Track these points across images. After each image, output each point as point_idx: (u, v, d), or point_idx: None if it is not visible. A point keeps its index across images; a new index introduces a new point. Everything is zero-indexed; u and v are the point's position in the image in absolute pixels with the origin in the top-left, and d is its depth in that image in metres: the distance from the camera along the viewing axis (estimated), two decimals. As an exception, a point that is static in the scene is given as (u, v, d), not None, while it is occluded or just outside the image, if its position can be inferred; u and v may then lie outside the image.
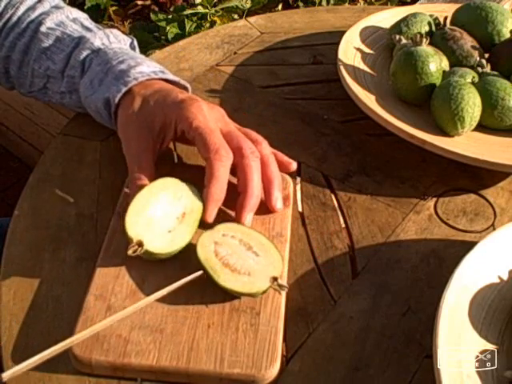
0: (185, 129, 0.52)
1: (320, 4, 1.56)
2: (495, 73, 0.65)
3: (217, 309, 0.46)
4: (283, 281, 0.47)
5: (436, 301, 0.45)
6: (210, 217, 0.50)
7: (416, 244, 0.55)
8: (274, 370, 0.43)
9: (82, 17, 0.66)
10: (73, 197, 0.57)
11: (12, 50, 0.63)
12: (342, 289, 0.50)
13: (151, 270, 0.48)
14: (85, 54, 0.60)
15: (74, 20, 0.64)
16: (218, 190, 0.49)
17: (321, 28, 0.84)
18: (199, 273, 0.47)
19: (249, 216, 0.50)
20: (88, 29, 0.63)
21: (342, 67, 0.68)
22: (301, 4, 1.58)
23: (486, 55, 0.69)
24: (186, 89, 0.61)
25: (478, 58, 0.67)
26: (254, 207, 0.51)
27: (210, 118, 0.52)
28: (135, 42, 0.66)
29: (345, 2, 1.60)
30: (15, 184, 1.59)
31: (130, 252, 0.46)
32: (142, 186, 0.49)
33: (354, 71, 0.68)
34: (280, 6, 1.56)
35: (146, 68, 0.58)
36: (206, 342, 0.44)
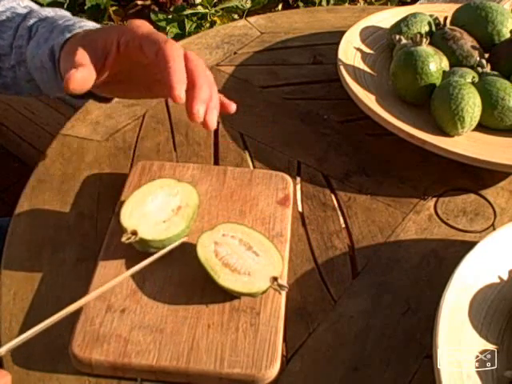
0: (129, 39, 0.50)
1: (320, 4, 1.56)
2: (495, 73, 0.65)
3: (217, 309, 0.46)
4: (283, 281, 0.47)
5: (436, 301, 0.45)
6: (179, 92, 0.45)
7: (416, 244, 0.55)
8: (273, 370, 0.43)
9: (33, 3, 0.66)
10: (73, 197, 0.57)
11: None
12: (342, 289, 0.50)
13: (151, 270, 0.48)
14: (32, 21, 0.59)
15: (26, 6, 0.64)
16: (178, 67, 0.46)
17: (321, 28, 0.84)
18: (183, 240, 0.49)
19: (202, 107, 0.47)
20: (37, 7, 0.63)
21: (341, 67, 0.68)
22: (301, 4, 1.58)
23: (486, 55, 0.69)
24: None
25: (478, 58, 0.67)
26: (205, 101, 0.47)
27: (153, 29, 0.51)
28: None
29: (345, 2, 1.60)
30: (15, 184, 1.59)
31: (123, 239, 0.47)
32: (79, 65, 0.49)
33: (354, 71, 0.68)
34: (280, 6, 1.56)
35: (92, 25, 0.58)
36: (205, 342, 0.44)
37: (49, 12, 0.62)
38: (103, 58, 0.52)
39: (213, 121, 0.47)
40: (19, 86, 0.63)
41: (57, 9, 0.64)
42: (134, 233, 0.47)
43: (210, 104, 0.48)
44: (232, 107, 0.52)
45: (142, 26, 0.51)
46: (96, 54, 0.52)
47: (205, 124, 0.47)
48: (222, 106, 0.52)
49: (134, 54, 0.51)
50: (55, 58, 0.55)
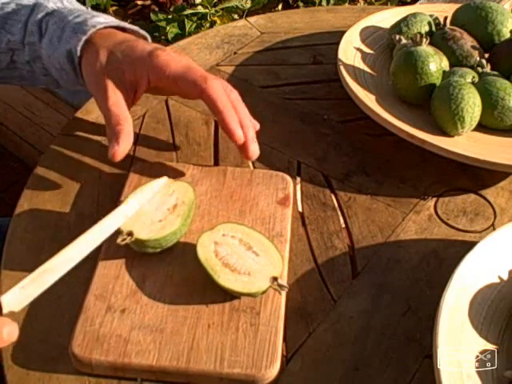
0: (161, 78, 0.53)
1: (320, 4, 1.56)
2: (495, 73, 0.65)
3: (217, 309, 0.46)
4: (283, 281, 0.47)
5: (436, 301, 0.45)
6: (239, 135, 0.51)
7: (416, 244, 0.55)
8: (273, 370, 0.43)
9: None
10: (73, 197, 0.57)
11: None
12: (342, 289, 0.50)
13: (151, 269, 0.48)
14: (40, 16, 0.59)
15: None
16: (229, 109, 0.51)
17: (321, 28, 0.84)
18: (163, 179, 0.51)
19: (254, 146, 0.53)
20: None
21: (342, 67, 0.68)
22: (301, 4, 1.58)
23: (486, 55, 0.69)
24: (145, 38, 0.61)
25: (478, 58, 0.67)
26: (254, 137, 0.53)
27: (183, 59, 0.54)
28: (89, 9, 0.65)
29: (345, 2, 1.60)
30: (15, 184, 1.59)
31: (119, 240, 0.47)
32: (120, 130, 0.51)
33: (354, 71, 0.68)
34: (280, 6, 1.56)
35: (103, 19, 0.58)
36: (205, 342, 0.44)
37: (55, 3, 0.61)
38: (133, 92, 0.55)
39: (255, 152, 0.54)
40: (36, 79, 0.63)
41: None
42: (130, 234, 0.47)
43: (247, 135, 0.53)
44: (256, 127, 0.57)
45: (170, 61, 0.52)
46: (125, 86, 0.54)
47: (246, 156, 0.54)
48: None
49: (168, 88, 0.55)
50: (74, 62, 0.56)
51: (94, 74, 0.55)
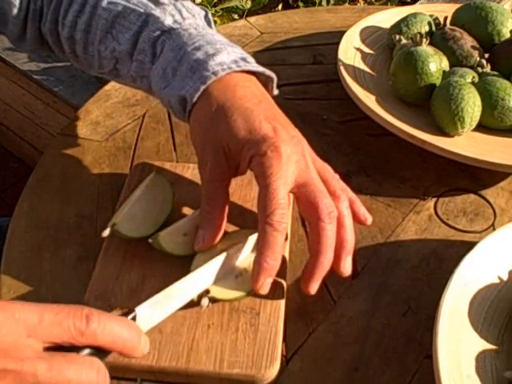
0: (257, 175, 0.45)
1: (320, 4, 1.56)
2: (495, 73, 0.65)
3: (217, 309, 0.46)
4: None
5: (436, 301, 0.45)
6: (312, 290, 0.45)
7: (416, 244, 0.55)
8: (273, 370, 0.43)
9: None
10: (73, 197, 0.57)
11: (74, 30, 0.57)
12: (342, 289, 0.50)
13: (151, 269, 0.48)
14: (155, 35, 0.52)
15: (139, 2, 0.55)
16: (326, 260, 0.44)
17: (321, 28, 0.84)
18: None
19: (316, 285, 0.45)
20: (154, 1, 0.55)
21: (342, 67, 0.68)
22: (301, 4, 1.58)
23: (486, 55, 0.69)
24: (271, 80, 0.53)
25: (478, 58, 0.67)
26: (322, 275, 0.45)
27: (287, 169, 0.44)
28: (210, 15, 0.58)
29: (345, 2, 1.60)
30: (15, 184, 1.59)
31: (103, 234, 0.48)
32: (211, 221, 0.46)
33: (353, 71, 0.68)
34: (280, 6, 1.56)
35: (226, 57, 0.49)
36: (205, 343, 0.44)
37: (172, 16, 0.53)
38: (235, 167, 0.48)
39: (347, 269, 0.47)
40: (139, 87, 0.58)
41: (180, 4, 0.55)
42: (113, 225, 0.48)
43: (345, 249, 0.47)
44: (368, 221, 0.50)
45: (276, 166, 0.44)
46: (229, 161, 0.47)
47: (338, 271, 0.47)
48: (356, 216, 0.49)
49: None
50: (186, 108, 0.50)
51: (199, 132, 0.49)
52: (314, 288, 0.45)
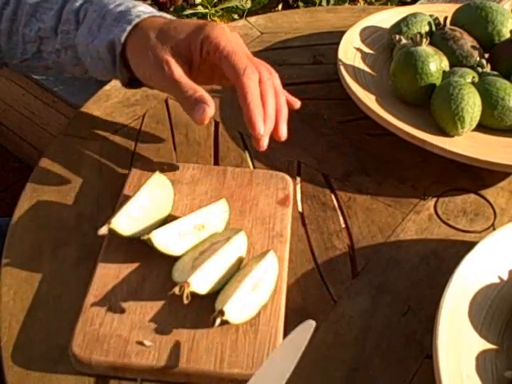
0: (210, 50, 0.52)
1: (320, 4, 1.56)
2: (495, 73, 0.65)
3: (217, 309, 0.46)
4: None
5: (436, 301, 0.45)
6: (259, 129, 0.50)
7: (416, 244, 0.55)
8: (273, 370, 0.43)
9: None
10: (73, 197, 0.57)
11: None
12: (342, 289, 0.50)
13: (151, 269, 0.48)
14: (77, 4, 0.58)
15: None
16: (256, 104, 0.50)
17: (321, 28, 0.84)
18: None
19: (266, 139, 0.52)
20: None
21: (342, 67, 0.68)
22: (301, 4, 1.58)
23: (486, 55, 0.69)
24: None
25: (478, 58, 0.67)
26: (270, 130, 0.52)
27: (233, 39, 0.53)
28: None
29: (345, 2, 1.60)
30: (15, 184, 1.59)
31: (99, 232, 0.48)
32: (201, 95, 0.51)
33: (353, 71, 0.68)
34: (280, 6, 1.56)
35: (145, 8, 0.57)
36: (205, 342, 0.44)
37: None
38: (188, 68, 0.54)
39: (283, 135, 0.54)
40: (62, 68, 0.62)
41: None
42: (110, 224, 0.48)
43: (279, 117, 0.53)
44: (296, 105, 0.58)
45: (223, 35, 0.52)
46: (182, 61, 0.53)
47: (276, 136, 0.53)
48: (287, 101, 0.56)
49: (212, 63, 0.54)
50: (115, 51, 0.55)
51: (147, 54, 0.53)
52: (266, 141, 0.52)
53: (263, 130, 0.50)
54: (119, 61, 0.55)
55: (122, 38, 0.53)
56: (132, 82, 0.59)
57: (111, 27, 0.55)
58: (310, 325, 0.43)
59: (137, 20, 0.54)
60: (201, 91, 0.52)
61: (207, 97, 0.51)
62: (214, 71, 0.57)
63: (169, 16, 0.59)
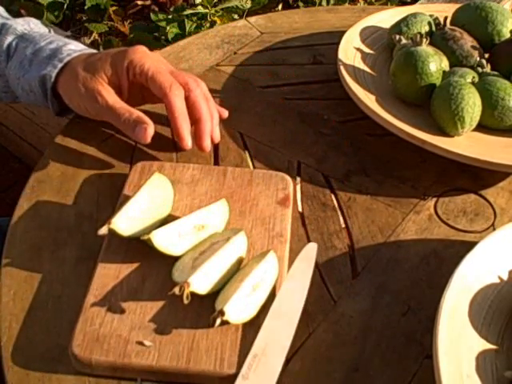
0: (136, 73, 0.57)
1: (320, 4, 1.56)
2: (495, 73, 0.65)
3: (217, 309, 0.46)
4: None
5: (436, 301, 0.45)
6: (187, 141, 0.57)
7: (416, 244, 0.55)
8: (273, 370, 0.43)
9: (2, 9, 0.68)
10: (73, 197, 0.57)
11: None
12: (342, 289, 0.50)
13: (151, 269, 0.48)
14: (10, 39, 0.62)
15: None
16: (183, 118, 0.56)
17: (321, 28, 0.84)
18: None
19: (208, 140, 0.58)
20: (7, 18, 0.66)
21: (342, 67, 0.68)
22: (301, 4, 1.58)
23: (486, 55, 0.69)
24: None
25: (478, 58, 0.67)
26: (210, 132, 0.58)
27: (155, 59, 0.59)
28: (52, 32, 0.68)
29: (345, 2, 1.60)
30: (15, 184, 1.59)
31: (99, 232, 0.48)
32: (138, 116, 0.56)
33: (353, 71, 0.68)
34: (280, 6, 1.56)
35: (75, 47, 0.62)
36: (205, 343, 0.44)
37: (22, 25, 0.63)
38: (118, 89, 0.59)
39: (217, 137, 0.61)
40: None
41: (28, 19, 0.66)
42: (110, 224, 0.48)
43: (212, 123, 0.59)
44: (224, 114, 0.64)
45: (145, 58, 0.58)
46: (112, 86, 0.58)
47: (211, 141, 0.59)
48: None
49: (140, 85, 0.59)
50: (46, 86, 0.59)
51: (78, 87, 0.57)
52: (208, 142, 0.58)
53: (190, 143, 0.57)
54: (50, 94, 0.59)
55: (53, 75, 0.58)
56: (62, 112, 0.63)
57: (42, 64, 0.59)
58: (312, 248, 0.50)
59: (68, 58, 0.59)
60: (137, 113, 0.57)
61: (144, 117, 0.56)
62: (143, 92, 0.61)
63: (95, 51, 0.64)
